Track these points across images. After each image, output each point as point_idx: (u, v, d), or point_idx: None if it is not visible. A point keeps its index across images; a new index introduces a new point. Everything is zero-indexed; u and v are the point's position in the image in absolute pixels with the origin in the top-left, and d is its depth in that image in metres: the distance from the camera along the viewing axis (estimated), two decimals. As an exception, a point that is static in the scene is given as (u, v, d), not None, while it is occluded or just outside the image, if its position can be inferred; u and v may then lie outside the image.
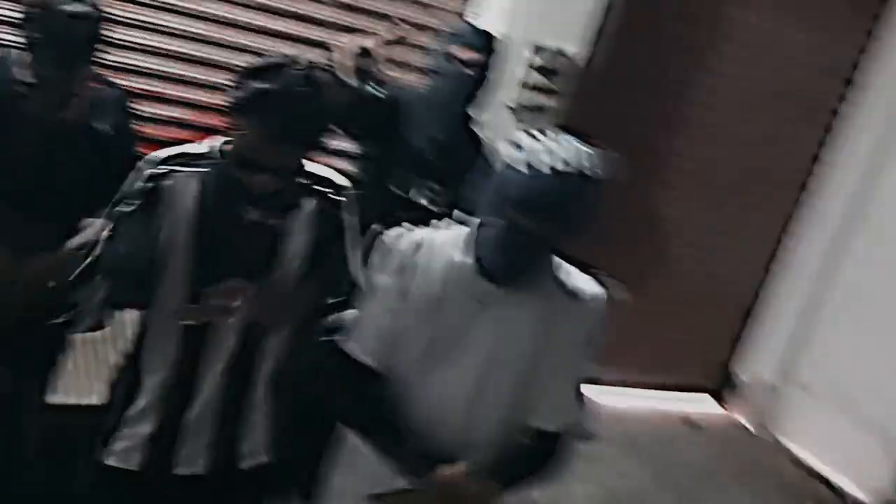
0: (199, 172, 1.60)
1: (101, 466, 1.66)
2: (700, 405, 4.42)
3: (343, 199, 1.72)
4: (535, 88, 3.30)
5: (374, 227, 1.78)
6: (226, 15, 2.90)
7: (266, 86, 1.47)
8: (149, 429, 1.63)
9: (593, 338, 1.59)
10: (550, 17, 3.23)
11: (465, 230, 1.57)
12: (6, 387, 2.05)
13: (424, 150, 2.48)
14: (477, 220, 1.54)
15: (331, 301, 1.69)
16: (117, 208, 1.59)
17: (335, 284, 1.69)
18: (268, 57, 1.58)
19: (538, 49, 3.25)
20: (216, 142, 1.64)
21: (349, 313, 1.61)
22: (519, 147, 1.47)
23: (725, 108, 3.91)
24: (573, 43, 3.31)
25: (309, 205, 1.66)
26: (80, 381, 2.34)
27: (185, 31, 2.85)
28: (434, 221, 1.65)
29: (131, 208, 1.57)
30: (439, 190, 2.48)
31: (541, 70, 3.27)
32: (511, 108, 3.28)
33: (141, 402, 1.64)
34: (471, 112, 2.58)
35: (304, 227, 1.65)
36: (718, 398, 4.51)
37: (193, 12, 2.83)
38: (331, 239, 1.69)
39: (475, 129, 2.62)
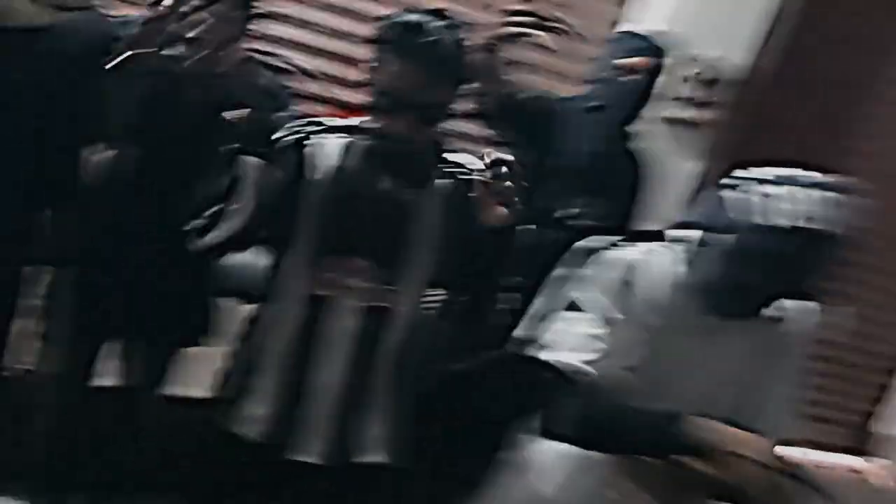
0: (341, 142, 1.54)
1: (220, 439, 1.59)
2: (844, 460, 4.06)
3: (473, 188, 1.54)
4: (693, 100, 3.04)
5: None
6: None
7: (411, 19, 1.48)
8: (265, 410, 1.55)
9: (799, 365, 1.49)
10: (713, 24, 2.98)
11: (675, 253, 1.41)
12: (129, 380, 1.98)
13: (578, 162, 2.27)
14: (696, 247, 1.38)
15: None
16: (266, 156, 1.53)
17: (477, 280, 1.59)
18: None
19: (698, 58, 2.98)
20: (360, 119, 1.57)
21: (552, 329, 1.45)
22: (749, 189, 1.31)
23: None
24: (736, 51, 3.03)
25: (445, 187, 1.55)
26: (194, 373, 2.23)
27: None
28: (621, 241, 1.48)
29: (278, 158, 1.52)
30: (590, 205, 2.26)
31: (700, 80, 3.01)
32: (668, 121, 3.03)
33: (257, 383, 1.56)
34: (629, 125, 2.36)
35: (437, 209, 1.55)
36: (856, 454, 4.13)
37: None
38: (468, 229, 1.52)
39: (632, 144, 2.40)
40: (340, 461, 1.57)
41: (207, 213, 1.56)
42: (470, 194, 1.50)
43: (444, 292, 1.76)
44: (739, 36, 3.03)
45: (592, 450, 1.39)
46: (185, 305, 1.92)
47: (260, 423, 1.56)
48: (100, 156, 1.73)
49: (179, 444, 1.86)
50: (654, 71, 2.33)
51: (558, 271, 1.48)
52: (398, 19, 1.51)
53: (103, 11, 1.75)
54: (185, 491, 1.68)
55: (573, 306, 1.42)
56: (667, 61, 2.42)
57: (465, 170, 1.55)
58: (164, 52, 1.63)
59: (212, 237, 1.57)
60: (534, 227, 2.07)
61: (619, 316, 1.37)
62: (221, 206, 1.54)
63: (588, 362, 1.36)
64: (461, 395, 1.93)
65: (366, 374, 1.55)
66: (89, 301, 1.76)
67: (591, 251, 1.45)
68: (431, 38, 1.46)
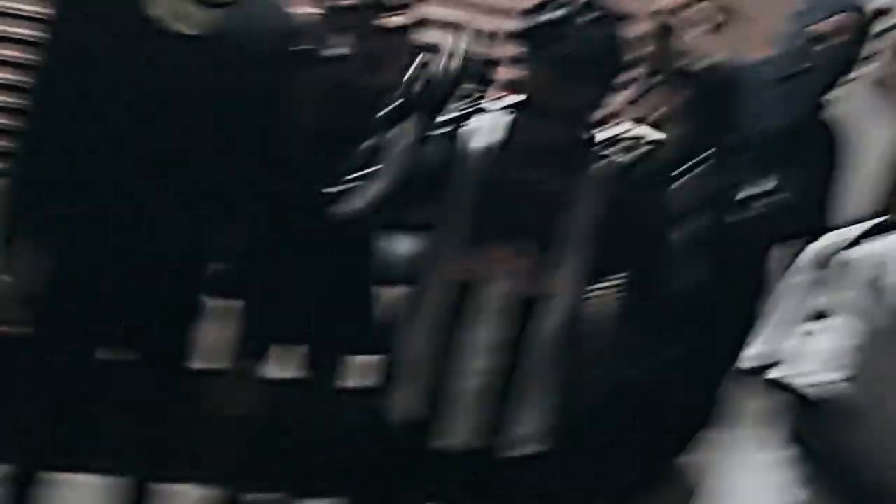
0: (498, 124, 1.48)
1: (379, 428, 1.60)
2: None
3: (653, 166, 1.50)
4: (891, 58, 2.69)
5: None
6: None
7: (553, 16, 1.34)
8: (417, 396, 1.54)
9: None
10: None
11: None
12: (306, 371, 2.01)
13: (766, 137, 2.05)
14: None
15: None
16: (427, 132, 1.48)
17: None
18: None
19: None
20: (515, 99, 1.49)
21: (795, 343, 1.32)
22: None
23: None
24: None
25: (603, 170, 1.46)
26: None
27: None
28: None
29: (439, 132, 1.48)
30: (780, 184, 2.04)
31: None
32: (864, 83, 2.69)
33: (410, 369, 1.55)
34: (826, 94, 2.10)
35: (595, 194, 1.45)
36: None
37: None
38: (632, 216, 1.46)
39: (827, 114, 2.15)
40: (492, 450, 1.54)
41: (353, 178, 1.53)
42: (630, 174, 1.46)
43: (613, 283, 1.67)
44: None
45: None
46: (351, 302, 1.91)
47: (413, 409, 1.55)
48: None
49: (344, 434, 1.88)
50: (859, 30, 2.04)
51: (796, 277, 1.36)
52: (543, 17, 1.38)
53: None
54: (347, 479, 1.72)
55: (818, 315, 1.29)
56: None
57: (623, 148, 1.48)
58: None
59: (357, 201, 1.53)
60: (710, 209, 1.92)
61: (873, 324, 1.20)
62: (368, 171, 1.51)
63: (839, 379, 1.22)
64: (632, 402, 1.84)
65: (519, 362, 1.50)
66: (259, 302, 1.79)
67: (829, 251, 1.30)
68: (578, 39, 1.33)
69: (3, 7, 2.28)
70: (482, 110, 1.52)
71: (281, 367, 2.03)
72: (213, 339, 1.81)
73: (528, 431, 1.54)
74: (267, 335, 1.84)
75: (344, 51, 1.68)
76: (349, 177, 1.51)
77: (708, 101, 2.05)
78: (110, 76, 1.45)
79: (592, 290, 1.60)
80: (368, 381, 1.70)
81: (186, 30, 1.46)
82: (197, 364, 1.76)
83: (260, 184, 1.67)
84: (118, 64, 1.45)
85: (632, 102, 1.97)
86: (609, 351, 1.99)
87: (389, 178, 1.49)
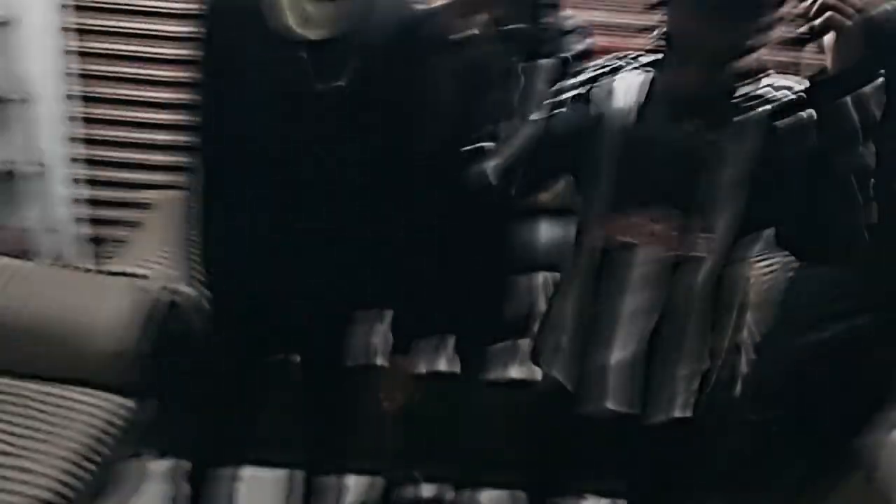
0: (635, 83, 1.41)
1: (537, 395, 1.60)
2: None
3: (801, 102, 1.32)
4: None
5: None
6: None
7: None
8: (572, 365, 1.51)
9: None
10: None
11: None
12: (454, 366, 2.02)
13: None
14: None
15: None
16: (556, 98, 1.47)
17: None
18: None
19: None
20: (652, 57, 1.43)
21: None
22: None
23: None
24: None
25: (757, 120, 1.34)
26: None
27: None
28: None
29: (570, 95, 1.45)
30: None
31: None
32: None
33: (562, 338, 1.52)
34: None
35: (747, 148, 1.34)
36: None
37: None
38: (783, 171, 1.33)
39: None
40: (650, 417, 1.47)
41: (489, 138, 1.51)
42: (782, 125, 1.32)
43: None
44: None
45: None
46: (495, 290, 1.91)
47: (568, 379, 1.52)
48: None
49: (499, 419, 2.03)
50: None
51: None
52: None
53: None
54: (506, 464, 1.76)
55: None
56: None
57: (774, 99, 1.34)
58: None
59: (495, 162, 1.51)
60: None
61: None
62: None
63: None
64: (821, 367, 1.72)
65: (676, 326, 1.42)
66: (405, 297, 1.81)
67: None
68: None
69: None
70: (618, 68, 1.45)
71: (431, 360, 2.06)
72: (365, 337, 1.85)
73: (679, 398, 1.46)
74: (415, 330, 1.85)
75: (473, 31, 1.65)
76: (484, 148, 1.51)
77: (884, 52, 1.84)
78: (257, 90, 1.49)
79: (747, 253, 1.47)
80: (518, 366, 1.69)
81: (312, 35, 1.45)
82: (353, 362, 1.81)
83: (405, 180, 1.67)
84: (264, 77, 1.49)
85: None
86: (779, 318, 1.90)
87: (521, 145, 1.48)
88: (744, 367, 1.58)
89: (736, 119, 1.35)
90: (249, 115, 1.50)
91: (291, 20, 1.44)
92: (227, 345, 1.71)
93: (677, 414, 1.47)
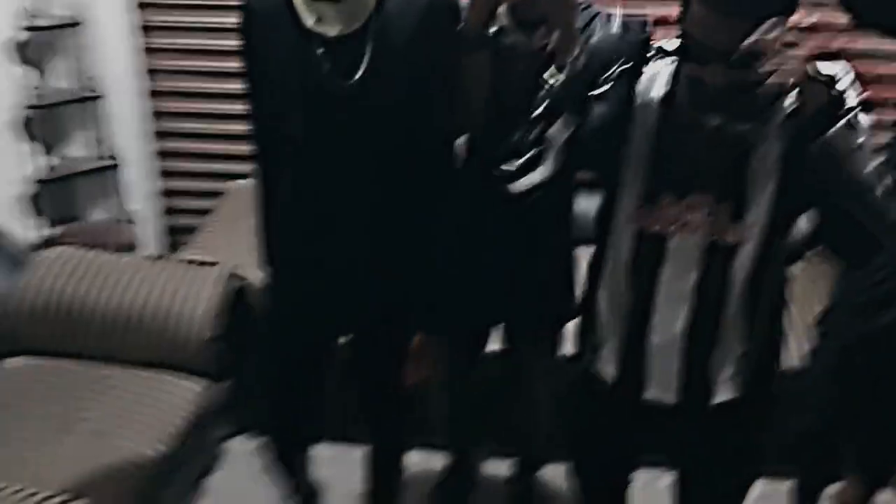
0: (668, 71, 1.40)
1: (581, 380, 1.61)
2: None
3: (846, 103, 1.28)
4: None
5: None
6: None
7: None
8: (615, 352, 1.51)
9: None
10: None
11: None
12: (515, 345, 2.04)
13: None
14: None
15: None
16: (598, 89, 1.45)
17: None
18: None
19: None
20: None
21: None
22: None
23: None
24: None
25: (789, 108, 1.32)
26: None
27: None
28: None
29: (609, 87, 1.44)
30: None
31: None
32: None
33: (605, 327, 1.53)
34: None
35: (778, 135, 1.33)
36: None
37: None
38: (820, 158, 1.29)
39: None
40: (692, 401, 1.47)
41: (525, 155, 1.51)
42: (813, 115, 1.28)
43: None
44: None
45: None
46: (551, 273, 1.91)
47: (612, 366, 1.52)
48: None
49: (559, 400, 2.05)
50: None
51: None
52: None
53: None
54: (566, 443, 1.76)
55: None
56: None
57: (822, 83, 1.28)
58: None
59: (530, 178, 1.53)
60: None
61: None
62: (540, 148, 1.49)
63: None
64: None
65: (713, 312, 1.42)
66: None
67: None
68: None
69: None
70: (649, 59, 1.44)
71: (487, 341, 2.08)
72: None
73: (725, 379, 1.46)
74: (454, 316, 1.88)
75: (503, 23, 1.65)
76: (525, 151, 1.51)
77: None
78: (285, 85, 1.54)
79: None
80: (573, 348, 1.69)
81: (330, 32, 1.50)
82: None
83: (448, 170, 1.70)
84: (290, 72, 1.53)
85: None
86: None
87: (562, 144, 1.48)
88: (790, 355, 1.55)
89: (764, 104, 1.32)
90: (284, 107, 1.56)
91: (308, 19, 1.49)
92: (292, 326, 1.77)
93: (716, 399, 1.46)
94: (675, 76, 1.39)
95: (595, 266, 1.55)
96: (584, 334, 1.60)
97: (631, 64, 1.44)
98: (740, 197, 1.37)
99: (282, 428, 1.98)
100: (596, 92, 1.44)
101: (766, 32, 1.24)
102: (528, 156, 1.53)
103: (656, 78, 1.41)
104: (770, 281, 1.43)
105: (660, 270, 1.42)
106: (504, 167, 1.56)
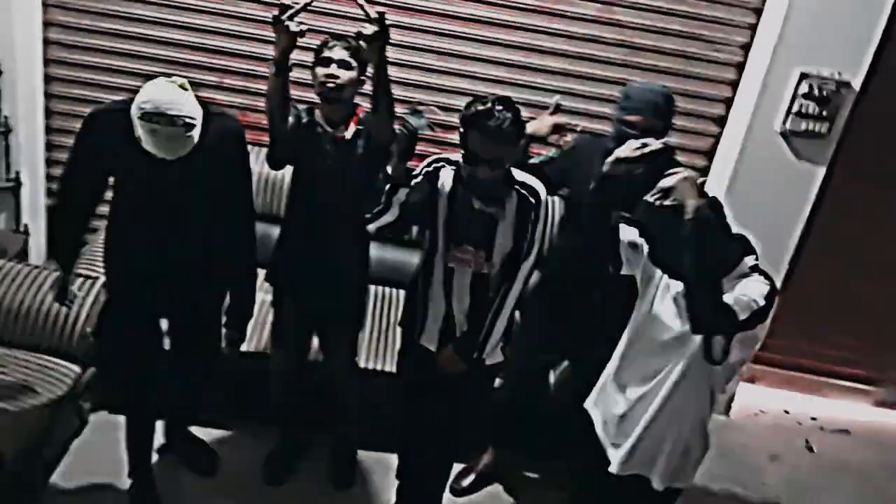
0: (453, 170, 2.43)
1: (415, 352, 2.64)
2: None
3: (541, 200, 2.41)
4: (807, 115, 3.31)
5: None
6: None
7: (483, 107, 2.26)
8: (438, 326, 2.56)
9: None
10: (822, 42, 3.22)
11: None
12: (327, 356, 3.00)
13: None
14: None
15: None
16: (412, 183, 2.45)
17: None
18: (482, 96, 2.37)
19: (808, 75, 3.26)
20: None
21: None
22: None
23: None
24: (848, 68, 3.26)
25: (514, 199, 2.40)
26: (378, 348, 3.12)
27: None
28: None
29: (420, 180, 2.44)
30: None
31: (811, 97, 3.27)
32: (783, 135, 3.36)
33: (436, 310, 2.56)
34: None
35: (510, 214, 2.40)
36: None
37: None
38: (527, 226, 2.41)
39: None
40: (477, 358, 2.53)
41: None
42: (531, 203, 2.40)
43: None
44: (853, 54, 3.24)
45: None
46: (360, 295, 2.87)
47: (434, 342, 2.58)
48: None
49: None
50: (658, 126, 2.54)
51: None
52: (477, 107, 2.27)
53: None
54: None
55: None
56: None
57: (528, 188, 2.41)
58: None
59: (384, 219, 2.48)
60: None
61: None
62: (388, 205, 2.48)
63: None
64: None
65: (480, 305, 2.51)
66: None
67: None
68: (497, 121, 2.23)
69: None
70: (448, 162, 2.45)
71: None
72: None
73: (496, 345, 2.55)
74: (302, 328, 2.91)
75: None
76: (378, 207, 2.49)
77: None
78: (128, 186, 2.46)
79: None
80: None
81: (166, 156, 2.29)
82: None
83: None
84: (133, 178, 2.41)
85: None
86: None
87: (397, 207, 2.46)
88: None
89: (507, 200, 2.39)
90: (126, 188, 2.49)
91: (148, 146, 2.29)
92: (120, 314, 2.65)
93: (493, 359, 2.58)
94: (458, 174, 2.39)
95: (424, 282, 2.54)
96: (416, 321, 2.59)
97: (433, 167, 2.45)
98: (490, 246, 2.41)
99: (126, 405, 2.75)
100: (414, 181, 2.43)
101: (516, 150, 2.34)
102: (378, 209, 2.48)
103: (447, 175, 2.42)
104: (507, 290, 2.46)
105: (454, 284, 2.49)
106: (368, 214, 2.50)
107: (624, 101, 2.60)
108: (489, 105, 2.25)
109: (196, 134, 2.29)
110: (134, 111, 2.24)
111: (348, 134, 2.60)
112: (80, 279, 2.87)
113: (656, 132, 2.46)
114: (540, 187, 2.42)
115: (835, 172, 3.47)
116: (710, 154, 3.57)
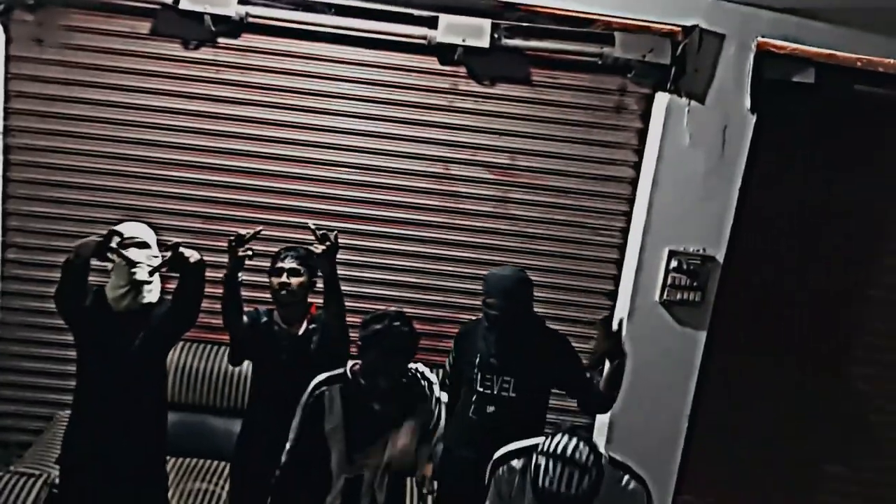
0: (340, 386, 2.67)
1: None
2: None
3: (434, 391, 2.73)
4: (680, 286, 3.78)
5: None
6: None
7: (379, 326, 2.54)
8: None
9: None
10: (685, 223, 3.75)
11: None
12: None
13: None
14: None
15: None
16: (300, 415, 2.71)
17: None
18: (378, 313, 2.65)
19: (676, 252, 3.76)
20: (351, 364, 2.71)
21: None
22: None
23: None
24: (711, 244, 3.78)
25: (413, 395, 2.68)
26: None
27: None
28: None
29: (303, 417, 2.67)
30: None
31: (681, 270, 3.76)
32: (664, 305, 3.80)
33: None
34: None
35: (409, 412, 2.66)
36: None
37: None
38: (418, 415, 2.68)
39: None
40: None
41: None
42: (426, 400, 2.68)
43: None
44: (713, 231, 3.79)
45: None
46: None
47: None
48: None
49: None
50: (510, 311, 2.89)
51: None
52: (373, 325, 2.56)
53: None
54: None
55: None
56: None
57: (423, 377, 2.73)
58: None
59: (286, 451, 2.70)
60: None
61: None
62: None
63: None
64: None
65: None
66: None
67: None
68: (391, 337, 2.54)
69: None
70: (327, 383, 2.67)
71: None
72: None
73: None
74: None
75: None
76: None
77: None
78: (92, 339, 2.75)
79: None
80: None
81: (123, 309, 2.71)
82: None
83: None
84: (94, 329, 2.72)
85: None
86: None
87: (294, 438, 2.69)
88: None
89: (405, 403, 2.64)
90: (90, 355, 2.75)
91: (111, 301, 2.70)
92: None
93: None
94: (345, 390, 2.63)
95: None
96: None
97: (313, 397, 2.66)
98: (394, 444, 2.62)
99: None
100: (297, 420, 2.67)
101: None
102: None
103: (335, 393, 2.64)
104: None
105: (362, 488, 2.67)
106: None
107: (484, 287, 2.98)
108: (386, 323, 2.54)
109: None
110: None
111: (301, 330, 2.95)
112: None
113: (513, 312, 2.87)
114: (434, 379, 2.73)
115: (715, 335, 3.90)
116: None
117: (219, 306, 2.85)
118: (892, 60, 3.63)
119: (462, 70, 3.75)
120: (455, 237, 3.90)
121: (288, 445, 2.66)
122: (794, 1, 3.52)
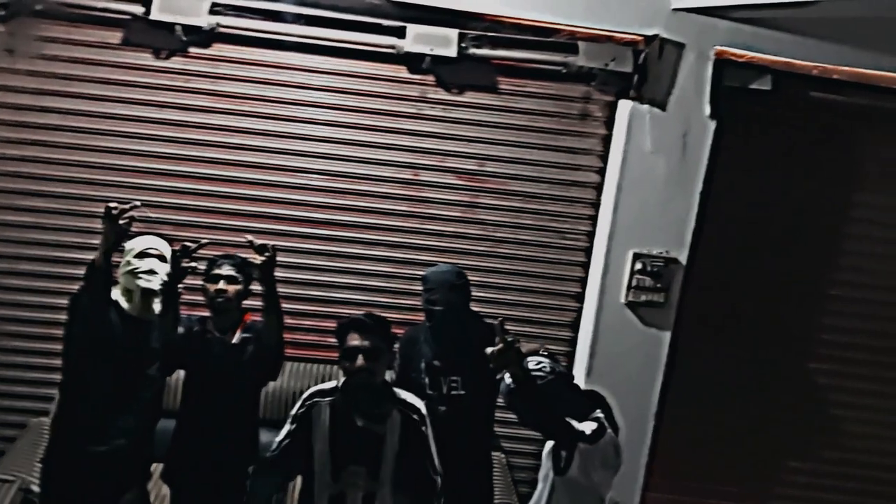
0: (330, 399, 2.60)
1: None
2: None
3: (421, 415, 2.60)
4: (644, 288, 3.88)
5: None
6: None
7: (354, 322, 2.50)
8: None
9: None
10: (648, 226, 3.85)
11: None
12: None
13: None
14: None
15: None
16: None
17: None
18: (356, 316, 2.57)
19: (640, 255, 3.86)
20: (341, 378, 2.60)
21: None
22: None
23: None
24: (674, 246, 3.88)
25: (398, 417, 2.57)
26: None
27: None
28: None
29: (293, 427, 2.61)
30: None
31: (645, 272, 3.86)
32: (629, 306, 3.91)
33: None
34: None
35: (395, 431, 2.55)
36: None
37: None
38: (412, 440, 2.57)
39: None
40: None
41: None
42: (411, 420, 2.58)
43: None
44: (676, 234, 3.88)
45: None
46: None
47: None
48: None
49: None
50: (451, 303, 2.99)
51: None
52: (347, 323, 2.51)
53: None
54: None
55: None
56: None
57: (409, 406, 2.60)
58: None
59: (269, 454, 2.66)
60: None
61: None
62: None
63: None
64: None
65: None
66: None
67: None
68: (370, 319, 2.53)
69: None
70: (320, 395, 2.61)
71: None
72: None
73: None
74: None
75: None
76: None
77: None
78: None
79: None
80: None
81: (136, 314, 2.80)
82: None
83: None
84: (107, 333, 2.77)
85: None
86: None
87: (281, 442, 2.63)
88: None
89: (389, 417, 2.55)
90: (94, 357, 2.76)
91: (126, 305, 2.79)
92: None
93: None
94: (335, 402, 2.55)
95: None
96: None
97: (305, 406, 2.60)
98: (376, 465, 2.52)
99: None
100: (288, 428, 2.60)
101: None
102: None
103: (323, 407, 2.57)
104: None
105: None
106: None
107: (424, 284, 3.04)
108: (361, 315, 2.54)
109: None
110: None
111: (235, 339, 2.94)
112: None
113: (455, 305, 2.96)
114: (420, 404, 2.62)
115: (679, 335, 4.01)
116: (574, 326, 4.08)
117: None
118: (846, 68, 3.75)
119: (431, 79, 3.83)
120: (424, 242, 3.96)
121: (269, 454, 2.63)
122: (750, 11, 3.63)
